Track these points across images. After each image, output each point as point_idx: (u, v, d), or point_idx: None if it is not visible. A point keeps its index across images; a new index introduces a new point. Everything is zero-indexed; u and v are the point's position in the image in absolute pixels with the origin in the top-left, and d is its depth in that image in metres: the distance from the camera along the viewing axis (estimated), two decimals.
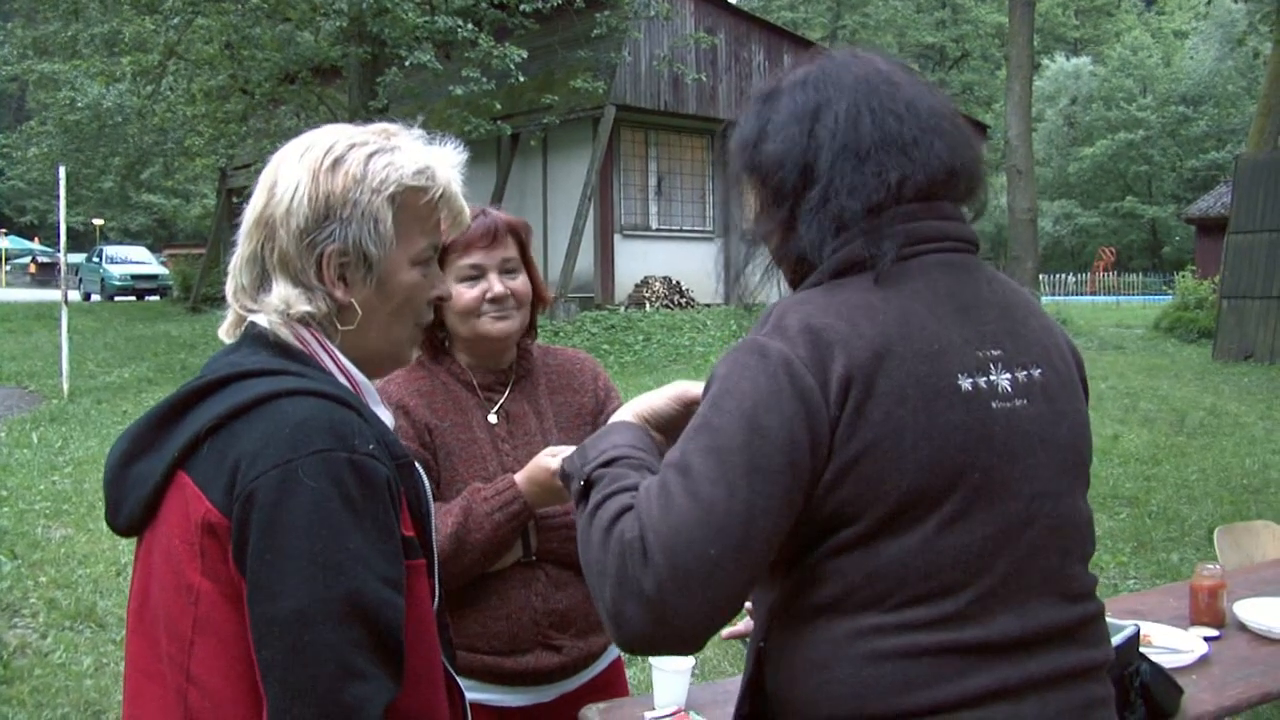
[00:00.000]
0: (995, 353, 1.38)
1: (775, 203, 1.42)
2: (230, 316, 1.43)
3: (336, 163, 1.36)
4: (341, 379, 1.38)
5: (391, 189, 1.37)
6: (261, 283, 1.38)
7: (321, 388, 1.30)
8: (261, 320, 1.37)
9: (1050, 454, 1.39)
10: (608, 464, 1.40)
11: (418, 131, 1.46)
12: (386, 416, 1.44)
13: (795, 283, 1.47)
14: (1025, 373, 1.39)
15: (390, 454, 1.32)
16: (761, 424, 1.27)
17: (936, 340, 1.34)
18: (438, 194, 1.42)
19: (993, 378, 1.36)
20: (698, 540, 1.24)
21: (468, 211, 1.50)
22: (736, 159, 1.48)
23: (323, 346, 1.38)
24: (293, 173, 1.37)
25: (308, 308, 1.35)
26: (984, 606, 1.32)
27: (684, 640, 1.27)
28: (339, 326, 1.39)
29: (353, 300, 1.38)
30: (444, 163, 1.44)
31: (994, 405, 1.35)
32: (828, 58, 1.47)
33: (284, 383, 1.29)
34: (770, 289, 1.52)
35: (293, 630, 1.17)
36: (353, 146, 1.38)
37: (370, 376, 1.44)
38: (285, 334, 1.36)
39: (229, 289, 1.42)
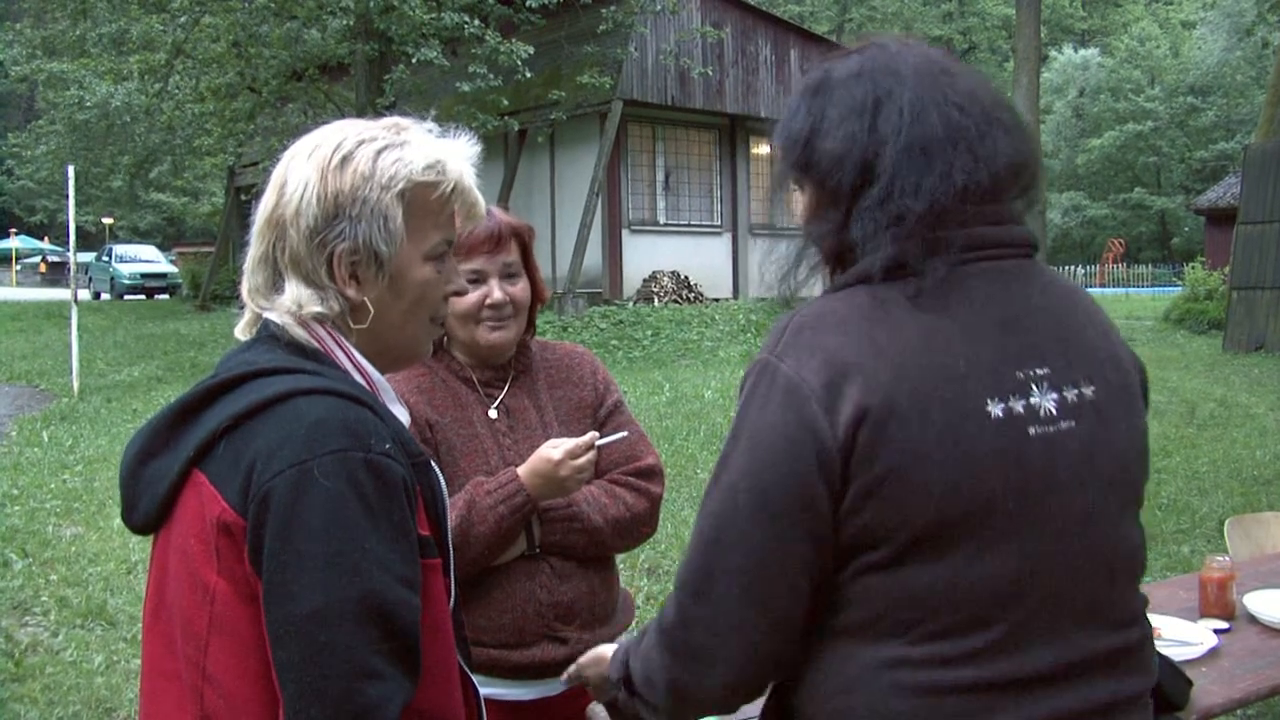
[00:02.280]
0: (1041, 371, 1.31)
1: (833, 203, 1.34)
2: (246, 315, 1.42)
3: (345, 160, 1.34)
4: (357, 377, 1.37)
5: (400, 185, 1.35)
6: (274, 283, 1.37)
7: (337, 386, 1.30)
8: (275, 319, 1.36)
9: (1098, 478, 1.32)
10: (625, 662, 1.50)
11: (430, 124, 1.44)
12: (402, 414, 1.43)
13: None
14: (1075, 391, 1.32)
15: (406, 452, 1.31)
16: (766, 463, 1.29)
17: (964, 362, 1.27)
18: (449, 188, 1.40)
19: (1034, 400, 1.29)
20: (705, 570, 1.32)
21: (482, 203, 1.48)
22: (787, 156, 1.39)
23: (338, 344, 1.38)
24: (302, 171, 1.35)
25: (320, 308, 1.35)
26: (1016, 640, 1.27)
27: (731, 684, 1.34)
28: (352, 325, 1.38)
29: (365, 299, 1.36)
30: (456, 155, 1.42)
31: (1031, 431, 1.28)
32: (878, 46, 1.39)
33: (299, 381, 1.29)
34: (815, 285, 1.46)
35: (309, 630, 1.17)
36: (361, 143, 1.36)
37: (385, 371, 1.43)
38: (299, 333, 1.35)
39: (244, 288, 1.41)
